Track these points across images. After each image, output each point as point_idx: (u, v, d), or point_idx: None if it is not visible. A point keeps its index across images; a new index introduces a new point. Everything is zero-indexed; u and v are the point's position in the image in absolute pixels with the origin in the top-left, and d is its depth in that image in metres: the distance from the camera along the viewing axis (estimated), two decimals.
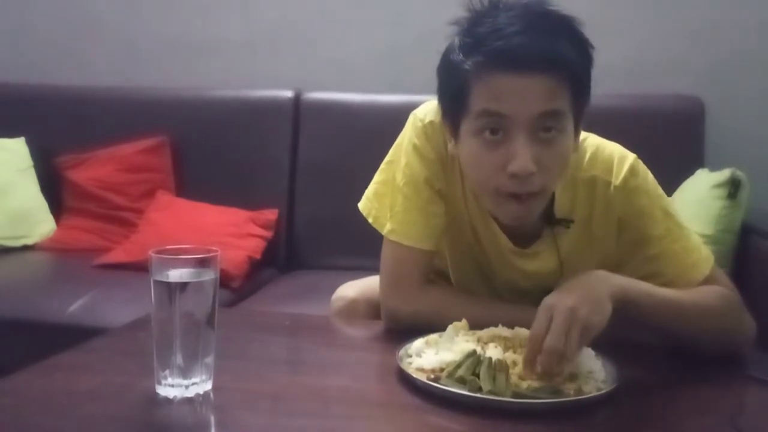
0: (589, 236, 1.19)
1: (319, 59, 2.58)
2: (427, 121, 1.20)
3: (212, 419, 0.92)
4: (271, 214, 2.37)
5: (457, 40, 1.07)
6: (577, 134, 1.10)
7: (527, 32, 1.01)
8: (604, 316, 0.98)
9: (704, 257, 1.18)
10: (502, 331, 1.05)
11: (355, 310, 1.34)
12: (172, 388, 0.91)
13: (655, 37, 2.38)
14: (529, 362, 0.94)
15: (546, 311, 0.96)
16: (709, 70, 2.34)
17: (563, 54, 1.02)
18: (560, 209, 1.18)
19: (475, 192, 1.16)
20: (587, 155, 1.17)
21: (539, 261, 1.20)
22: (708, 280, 1.16)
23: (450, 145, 1.14)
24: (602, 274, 1.05)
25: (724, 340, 1.11)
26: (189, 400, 0.91)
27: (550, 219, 1.17)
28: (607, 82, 2.11)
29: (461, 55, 1.05)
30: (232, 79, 2.61)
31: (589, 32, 1.07)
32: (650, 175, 1.19)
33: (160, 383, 0.92)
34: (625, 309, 1.03)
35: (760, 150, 2.27)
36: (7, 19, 2.83)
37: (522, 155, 1.01)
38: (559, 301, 0.97)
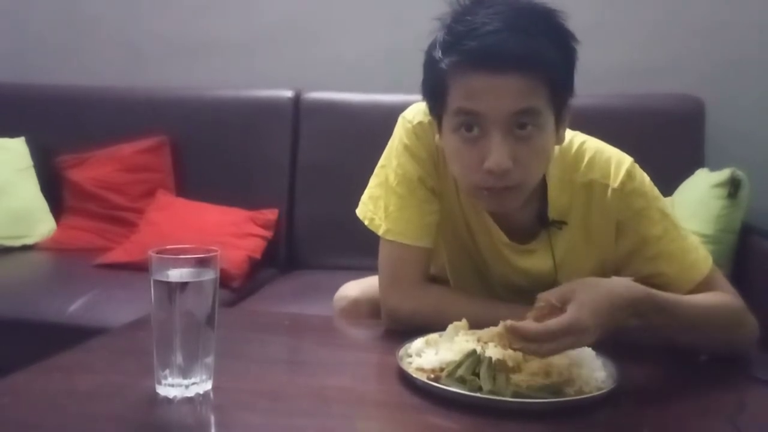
0: (586, 239, 1.19)
1: (319, 59, 2.58)
2: (416, 122, 1.21)
3: (212, 419, 0.92)
4: (271, 214, 2.37)
5: (438, 37, 1.08)
6: (560, 129, 1.10)
7: (504, 31, 1.01)
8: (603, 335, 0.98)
9: (702, 257, 1.18)
10: (502, 330, 1.04)
11: (357, 310, 1.34)
12: (172, 387, 0.91)
13: (655, 37, 2.38)
14: (517, 333, 0.93)
15: (572, 324, 0.93)
16: (709, 70, 2.34)
17: (539, 53, 1.02)
18: (556, 211, 1.18)
19: (460, 185, 1.17)
20: (585, 159, 1.18)
21: (534, 259, 1.21)
22: (707, 280, 1.16)
23: (437, 137, 1.15)
24: (624, 292, 1.03)
25: (729, 344, 1.12)
26: (189, 400, 0.91)
27: (543, 220, 1.18)
28: (607, 82, 2.13)
29: (440, 53, 1.06)
30: (232, 79, 2.61)
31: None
32: (647, 178, 1.19)
33: (160, 383, 0.92)
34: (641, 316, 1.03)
35: (760, 150, 2.27)
36: (6, 19, 2.83)
37: (497, 152, 1.03)
38: (584, 329, 0.94)
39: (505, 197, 1.08)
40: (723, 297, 1.14)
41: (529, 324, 0.94)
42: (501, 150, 1.03)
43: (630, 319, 1.03)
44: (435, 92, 1.09)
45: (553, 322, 0.94)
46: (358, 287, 1.38)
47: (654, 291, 1.05)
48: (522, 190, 1.09)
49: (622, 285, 1.04)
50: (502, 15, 1.02)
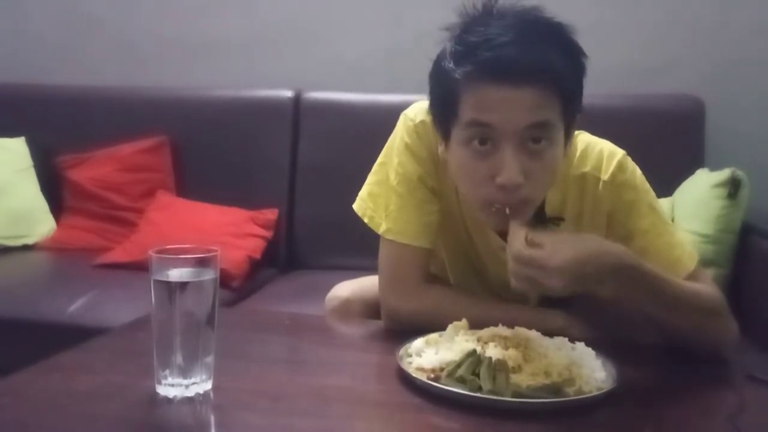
0: (580, 232, 1.19)
1: (319, 59, 2.58)
2: (418, 120, 1.21)
3: (212, 419, 0.92)
4: (271, 214, 2.37)
5: (448, 47, 1.06)
6: (567, 141, 1.09)
7: (518, 43, 1.00)
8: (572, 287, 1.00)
9: (688, 254, 1.19)
10: (502, 330, 1.05)
11: (349, 310, 1.34)
12: (172, 387, 0.91)
13: (655, 37, 2.38)
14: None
15: (539, 260, 0.97)
16: (709, 70, 2.34)
17: (553, 65, 1.01)
18: (552, 207, 1.18)
19: (464, 198, 1.16)
20: (578, 153, 1.18)
21: None
22: (692, 277, 1.16)
23: (440, 149, 1.14)
24: (614, 257, 1.02)
25: (708, 339, 1.11)
26: (189, 400, 0.91)
27: (541, 217, 1.18)
28: (607, 82, 2.12)
29: (452, 63, 1.04)
30: (232, 79, 2.61)
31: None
32: (638, 171, 1.20)
33: (160, 383, 0.92)
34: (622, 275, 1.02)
35: (760, 150, 2.28)
36: (6, 19, 2.83)
37: (510, 167, 1.01)
38: (552, 269, 0.96)
39: (512, 214, 1.06)
40: (707, 288, 1.14)
41: (521, 245, 0.99)
42: (513, 165, 1.01)
43: (609, 285, 1.01)
44: (445, 103, 1.07)
45: (528, 251, 0.97)
46: (350, 287, 1.38)
47: (640, 261, 1.03)
48: (530, 205, 1.08)
49: (609, 249, 1.03)
50: (514, 27, 1.01)
